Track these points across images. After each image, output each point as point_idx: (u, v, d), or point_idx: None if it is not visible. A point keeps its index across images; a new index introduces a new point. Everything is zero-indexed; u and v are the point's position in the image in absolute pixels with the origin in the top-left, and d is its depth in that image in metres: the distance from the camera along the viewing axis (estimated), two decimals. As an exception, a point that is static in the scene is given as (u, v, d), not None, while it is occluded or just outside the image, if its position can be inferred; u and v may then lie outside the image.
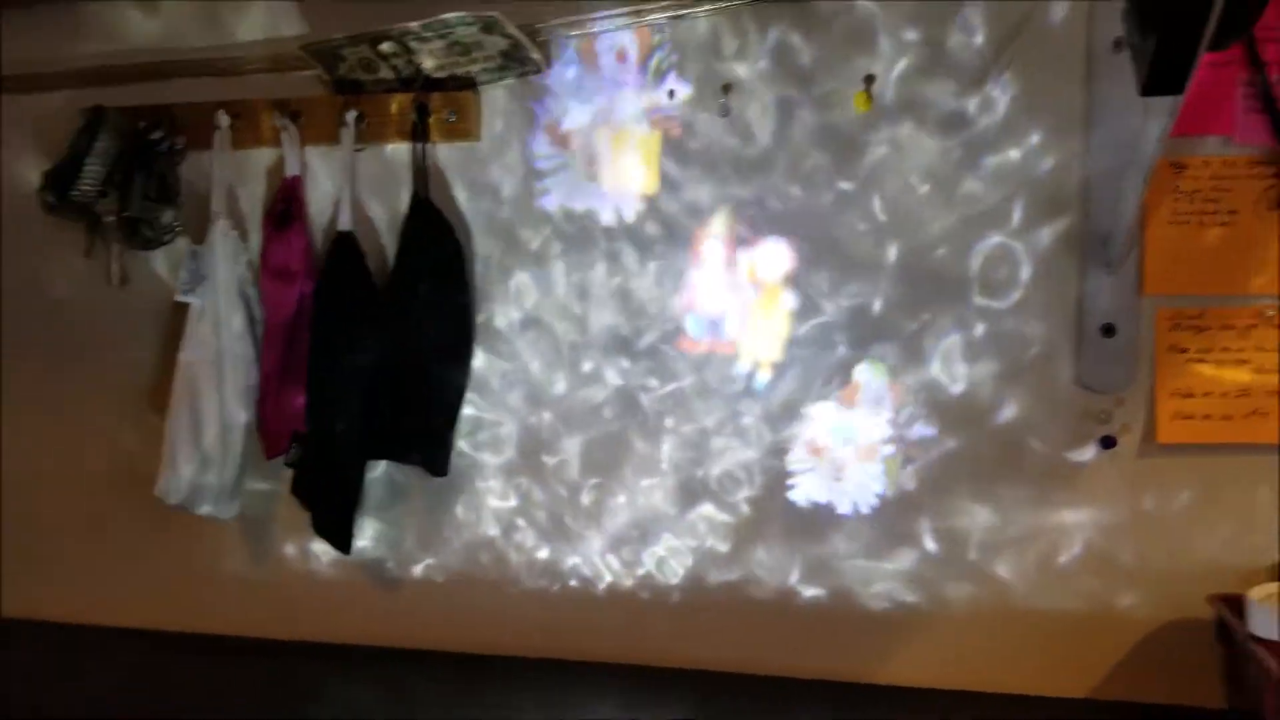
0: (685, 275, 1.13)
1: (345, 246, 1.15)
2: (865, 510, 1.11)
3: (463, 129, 1.14)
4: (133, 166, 1.18)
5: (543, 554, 1.20)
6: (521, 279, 1.17)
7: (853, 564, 1.12)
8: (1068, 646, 1.08)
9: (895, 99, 1.06)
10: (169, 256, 1.24)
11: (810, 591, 1.14)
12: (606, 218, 1.14)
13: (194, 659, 1.25)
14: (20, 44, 1.25)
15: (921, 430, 1.09)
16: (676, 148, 1.11)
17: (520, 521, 1.20)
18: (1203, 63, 0.94)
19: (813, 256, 1.10)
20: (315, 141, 1.18)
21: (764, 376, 1.12)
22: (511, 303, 1.17)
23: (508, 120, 1.15)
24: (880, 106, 1.06)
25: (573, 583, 1.20)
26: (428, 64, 1.12)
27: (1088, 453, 1.06)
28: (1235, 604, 0.96)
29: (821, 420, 1.11)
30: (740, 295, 1.12)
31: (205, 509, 1.19)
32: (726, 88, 1.08)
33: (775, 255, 1.10)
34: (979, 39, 1.03)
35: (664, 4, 1.07)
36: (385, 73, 1.14)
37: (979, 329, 1.07)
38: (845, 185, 1.08)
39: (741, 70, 1.09)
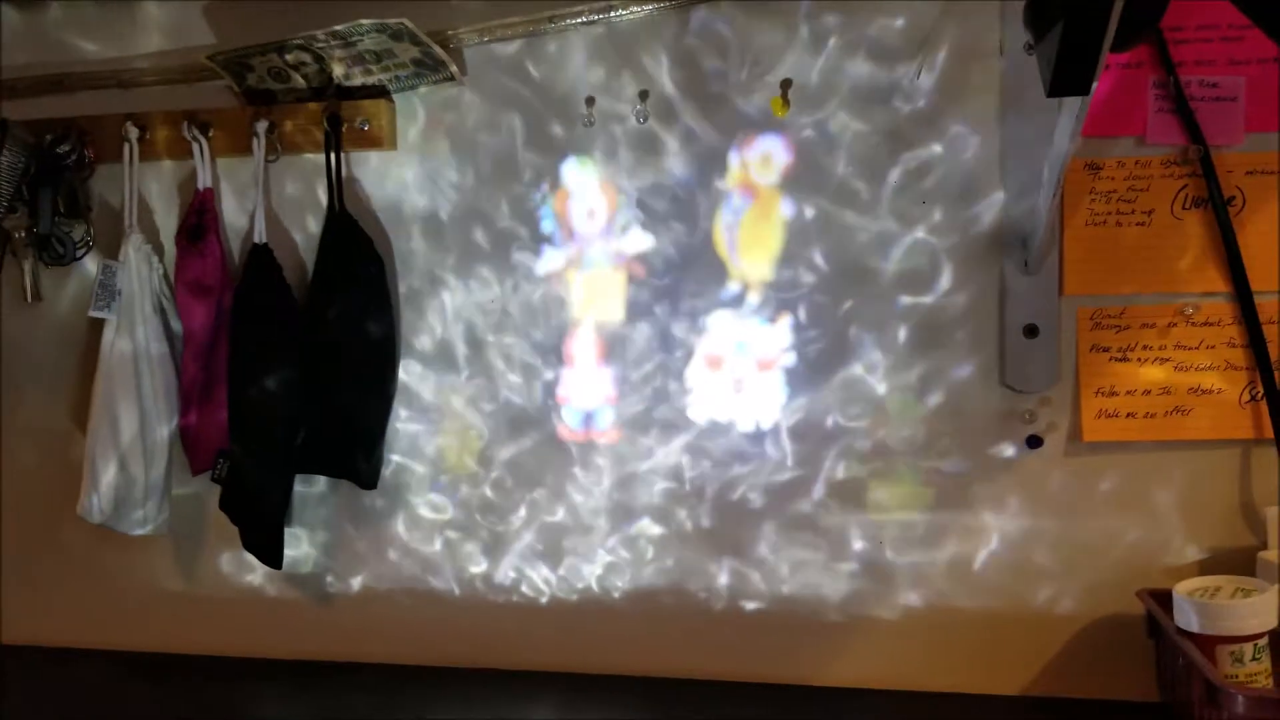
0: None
1: (261, 259, 1.13)
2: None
3: (376, 138, 1.11)
4: (40, 181, 1.15)
5: (478, 564, 1.19)
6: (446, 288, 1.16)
7: (782, 567, 1.12)
8: (999, 644, 1.08)
9: (811, 98, 1.05)
10: (83, 272, 1.21)
11: (743, 596, 1.13)
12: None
13: (124, 676, 1.23)
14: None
15: (850, 433, 1.09)
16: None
17: (454, 532, 1.19)
18: (1113, 64, 0.95)
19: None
20: (227, 153, 1.15)
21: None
22: (436, 312, 1.16)
23: (422, 128, 1.14)
24: (798, 106, 1.05)
25: (509, 592, 1.19)
26: (338, 72, 1.10)
27: (1014, 452, 1.06)
28: (1164, 599, 0.97)
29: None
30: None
31: (129, 527, 1.17)
32: (644, 94, 1.07)
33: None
34: (896, 41, 1.03)
35: (577, 8, 1.06)
36: (296, 81, 1.12)
37: (902, 328, 1.07)
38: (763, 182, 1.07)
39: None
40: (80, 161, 1.17)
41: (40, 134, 1.16)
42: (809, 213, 1.07)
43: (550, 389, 1.15)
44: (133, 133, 1.15)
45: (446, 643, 1.20)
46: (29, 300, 1.20)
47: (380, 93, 1.11)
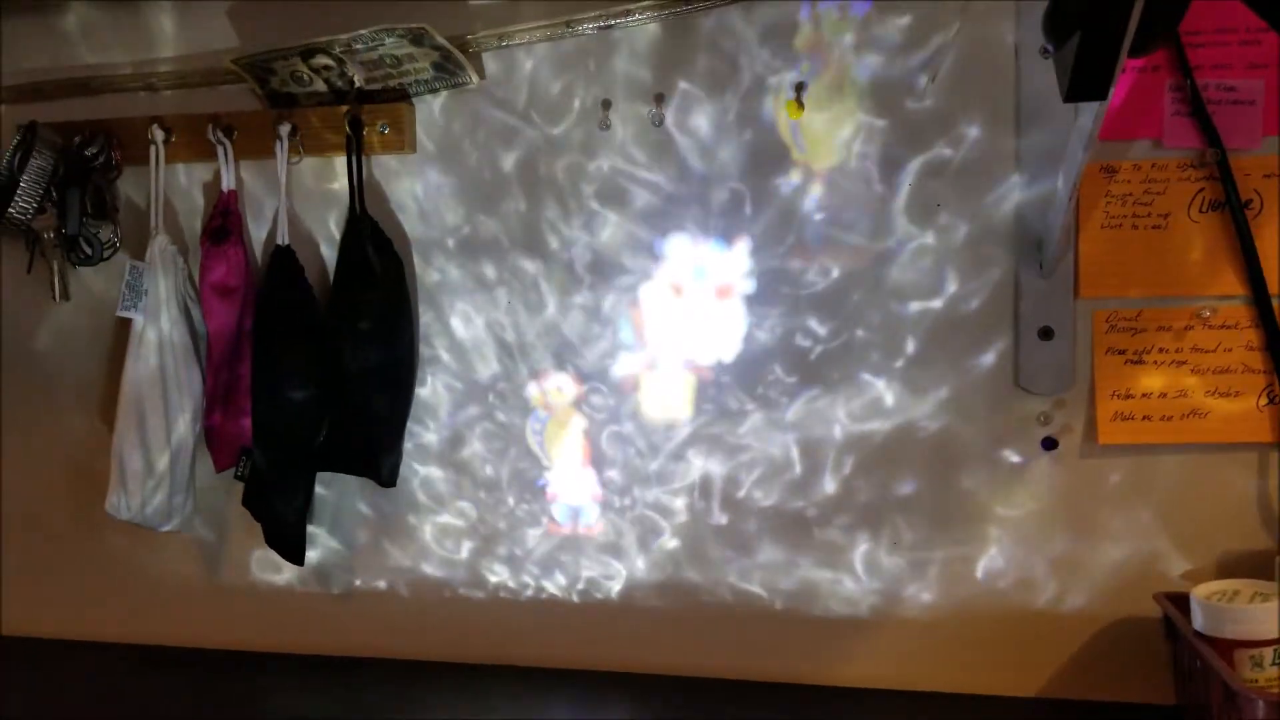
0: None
1: (283, 261, 1.14)
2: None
3: (397, 141, 1.13)
4: (69, 183, 1.17)
5: (495, 560, 1.20)
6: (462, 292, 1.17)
7: (799, 566, 1.12)
8: (1015, 646, 1.08)
9: (824, 100, 1.05)
10: (110, 272, 1.23)
11: (761, 594, 1.14)
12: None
13: (145, 670, 1.25)
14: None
15: (863, 434, 1.09)
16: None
17: (472, 529, 1.20)
18: (1130, 68, 0.95)
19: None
20: (250, 155, 1.17)
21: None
22: (457, 314, 1.17)
23: (445, 131, 1.15)
24: (810, 109, 1.06)
25: (525, 590, 1.20)
26: (359, 76, 1.11)
27: (1030, 455, 1.06)
28: (1181, 602, 0.97)
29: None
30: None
31: (156, 524, 1.19)
32: (660, 97, 1.08)
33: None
34: (910, 42, 1.03)
35: (593, 14, 1.06)
36: (318, 85, 1.13)
37: (915, 330, 1.07)
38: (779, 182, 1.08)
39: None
40: (108, 163, 1.19)
41: (68, 136, 1.18)
42: (819, 215, 1.08)
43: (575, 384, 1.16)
44: (159, 135, 1.17)
45: (463, 639, 1.21)
46: (57, 300, 1.22)
47: (401, 96, 1.13)
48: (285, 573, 1.25)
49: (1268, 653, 0.89)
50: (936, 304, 1.06)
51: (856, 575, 1.11)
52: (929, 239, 1.05)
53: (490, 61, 1.12)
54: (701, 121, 1.08)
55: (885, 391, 1.08)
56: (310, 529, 1.20)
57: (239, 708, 1.15)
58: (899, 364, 1.08)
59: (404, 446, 1.18)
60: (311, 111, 1.14)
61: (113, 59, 1.21)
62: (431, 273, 1.17)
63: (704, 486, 1.14)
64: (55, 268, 1.21)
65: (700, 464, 1.13)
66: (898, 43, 1.03)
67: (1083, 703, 1.07)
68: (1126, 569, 1.05)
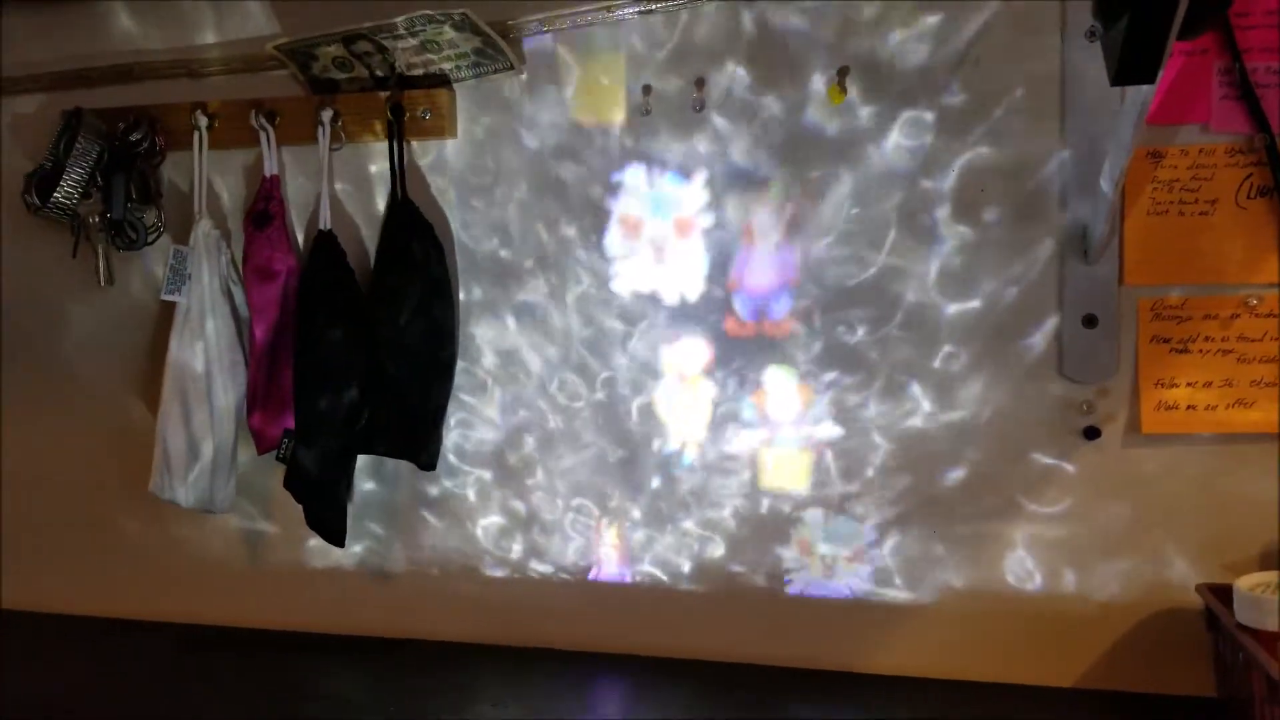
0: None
1: (326, 245, 1.15)
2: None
3: (437, 127, 1.13)
4: (114, 168, 1.18)
5: (534, 545, 1.21)
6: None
7: (840, 553, 1.12)
8: (1056, 636, 1.08)
9: (866, 89, 1.05)
10: (155, 256, 1.24)
11: (799, 580, 1.14)
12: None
13: (191, 649, 1.27)
14: (-4, 46, 1.27)
15: (907, 422, 1.09)
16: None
17: (511, 514, 1.21)
18: (1178, 51, 0.93)
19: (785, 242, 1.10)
20: (293, 141, 1.18)
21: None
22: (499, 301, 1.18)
23: (485, 117, 1.15)
24: (851, 97, 1.05)
25: (564, 574, 1.20)
26: (401, 62, 1.11)
27: (1072, 444, 1.05)
28: (1223, 593, 0.95)
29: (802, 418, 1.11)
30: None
31: (198, 504, 1.20)
32: (700, 82, 1.08)
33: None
34: (955, 26, 1.02)
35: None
36: (360, 71, 1.14)
37: (960, 318, 1.06)
38: (815, 174, 1.07)
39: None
40: (151, 149, 1.21)
41: (113, 122, 1.20)
42: (859, 202, 1.07)
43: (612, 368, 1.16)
44: (202, 121, 1.18)
45: (499, 621, 1.22)
46: (102, 283, 1.23)
47: (442, 82, 1.13)
48: (327, 555, 1.26)
49: (1311, 644, 0.88)
50: (980, 292, 1.06)
51: (894, 561, 1.11)
52: (973, 226, 1.05)
53: (531, 46, 1.12)
54: (742, 108, 1.08)
55: (927, 381, 1.08)
56: (353, 511, 1.21)
57: (282, 687, 1.16)
58: (942, 353, 1.07)
59: (444, 431, 1.19)
60: (353, 97, 1.15)
61: (156, 45, 1.23)
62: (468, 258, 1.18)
63: (740, 471, 1.14)
64: (100, 252, 1.23)
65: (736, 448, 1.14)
66: (941, 27, 1.02)
67: (1122, 693, 1.06)
68: (1168, 559, 1.04)
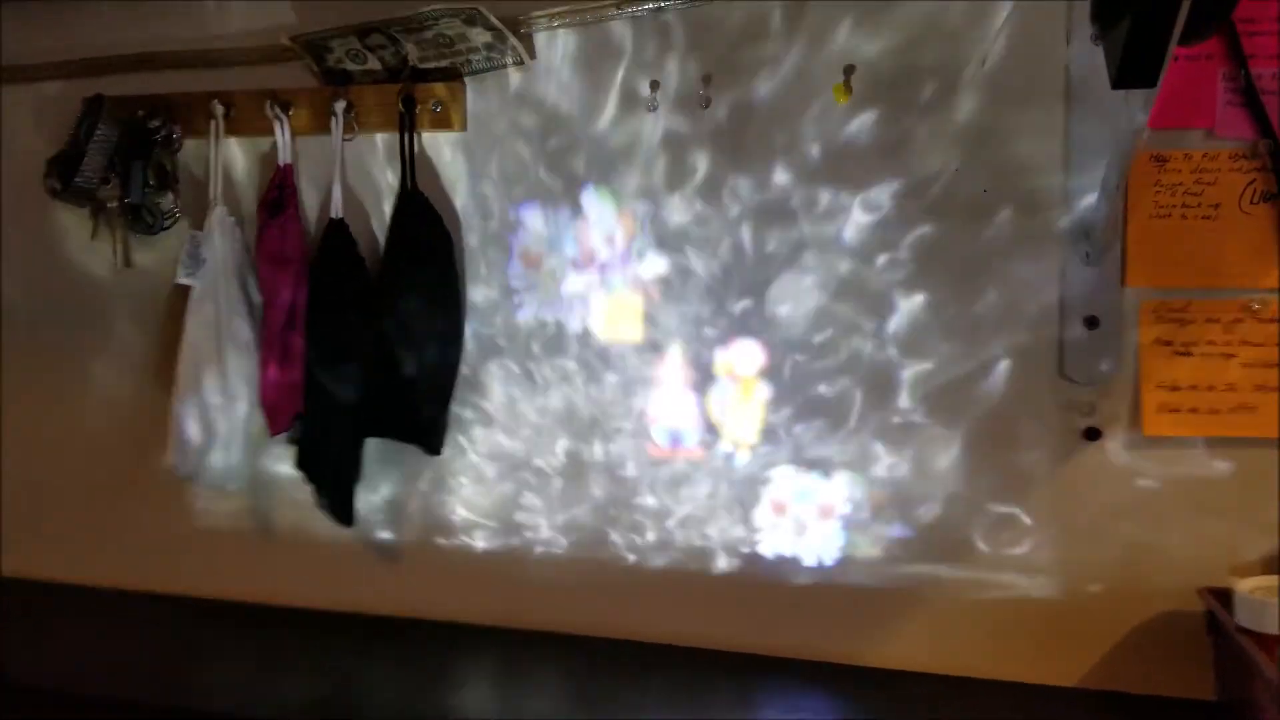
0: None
1: (337, 233, 1.17)
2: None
3: (447, 119, 1.15)
4: (132, 154, 1.21)
5: (539, 528, 1.22)
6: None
7: (842, 546, 1.13)
8: (1057, 635, 1.08)
9: (870, 88, 1.05)
10: (171, 241, 1.27)
11: (802, 571, 1.14)
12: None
13: (201, 621, 1.29)
14: (18, 34, 1.29)
15: (906, 420, 1.10)
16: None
17: (519, 495, 1.22)
18: (1182, 55, 0.93)
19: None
20: (306, 131, 1.20)
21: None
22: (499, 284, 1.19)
23: (494, 110, 1.16)
24: (856, 96, 1.05)
25: (568, 555, 1.21)
26: (413, 55, 1.13)
27: (1072, 445, 1.05)
28: (1224, 596, 0.96)
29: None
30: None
31: (213, 482, 1.24)
32: (707, 79, 1.09)
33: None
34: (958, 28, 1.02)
35: (644, -6, 1.08)
36: (373, 63, 1.16)
37: (960, 317, 1.07)
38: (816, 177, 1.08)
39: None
40: (169, 136, 1.23)
41: (133, 110, 1.22)
42: (866, 206, 1.08)
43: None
44: (219, 110, 1.21)
45: (519, 603, 1.23)
46: (119, 266, 1.27)
47: (453, 75, 1.15)
48: (335, 534, 1.26)
49: (1311, 649, 0.88)
50: (981, 289, 1.06)
51: (895, 555, 1.11)
52: (975, 225, 1.05)
53: (540, 41, 1.13)
54: (743, 105, 1.09)
55: (926, 376, 1.08)
56: (363, 493, 1.23)
57: (295, 663, 1.18)
58: (941, 351, 1.08)
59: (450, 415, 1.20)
60: (366, 89, 1.17)
61: (175, 36, 1.25)
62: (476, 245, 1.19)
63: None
64: (118, 236, 1.26)
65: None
66: (949, 28, 1.03)
67: (1122, 694, 1.06)
68: (1170, 562, 1.04)
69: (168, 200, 1.25)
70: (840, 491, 1.12)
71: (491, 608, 1.24)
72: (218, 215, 1.21)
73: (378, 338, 1.16)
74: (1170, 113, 0.97)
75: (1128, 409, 1.04)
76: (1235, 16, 0.88)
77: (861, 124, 1.06)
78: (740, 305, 1.12)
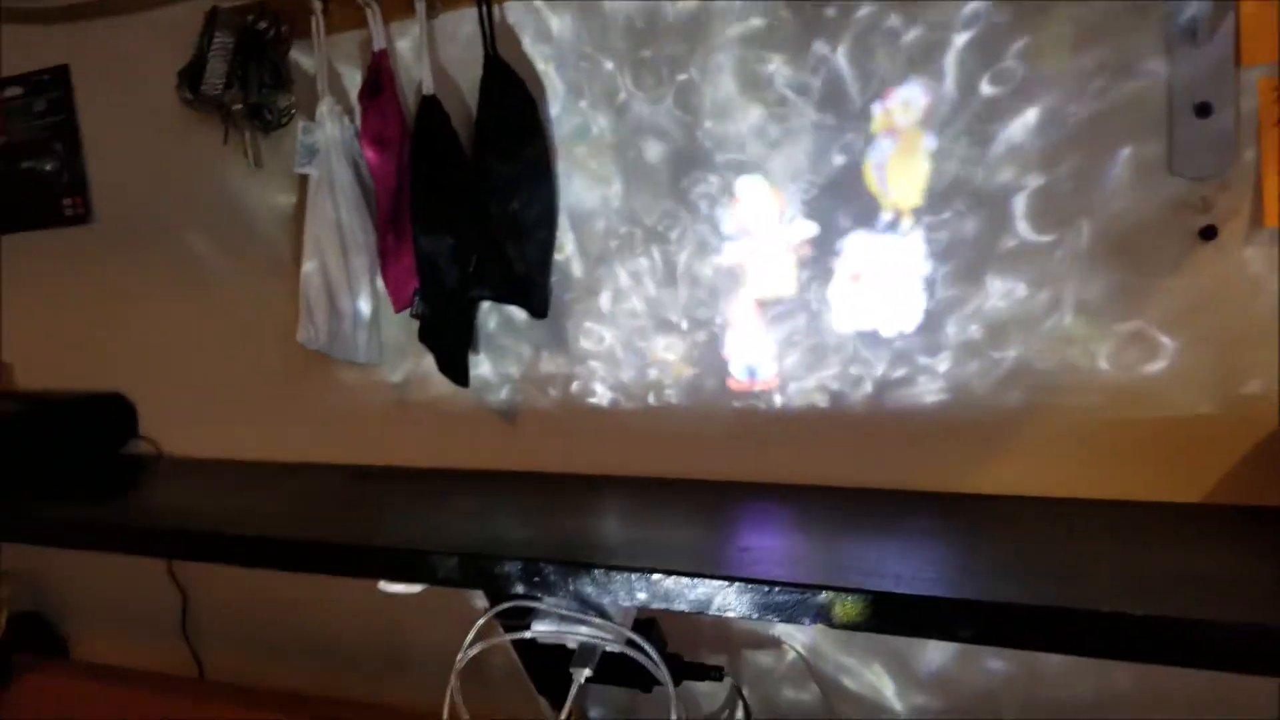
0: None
1: (430, 109, 1.22)
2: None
3: (519, -22, 1.17)
4: (248, 58, 1.30)
5: (649, 377, 1.25)
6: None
7: (948, 369, 1.10)
8: (1179, 450, 1.02)
9: None
10: (289, 137, 1.36)
11: (909, 399, 1.12)
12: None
13: (346, 483, 1.38)
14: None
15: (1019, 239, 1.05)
16: None
17: (625, 347, 1.25)
18: None
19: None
20: (396, 16, 1.25)
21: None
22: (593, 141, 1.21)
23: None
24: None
25: (676, 401, 1.24)
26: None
27: (1189, 247, 0.98)
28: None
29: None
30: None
31: (344, 354, 1.34)
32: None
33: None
34: None
35: None
36: (446, -62, 1.18)
37: (1057, 115, 1.01)
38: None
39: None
40: (278, 37, 1.32)
41: (244, 15, 1.31)
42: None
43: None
44: (317, 5, 1.27)
45: (644, 453, 1.27)
46: (252, 165, 1.37)
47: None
48: (459, 396, 1.35)
49: None
50: (1079, 82, 0.99)
51: (1004, 375, 1.08)
52: (1068, 11, 0.98)
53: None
54: None
55: (1027, 184, 1.03)
56: (482, 356, 1.31)
57: (430, 511, 1.25)
58: (1039, 153, 1.02)
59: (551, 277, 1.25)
60: (445, -36, 1.20)
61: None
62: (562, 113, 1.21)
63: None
64: (248, 137, 1.36)
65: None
66: None
67: (1253, 508, 1.00)
68: (1301, 365, 0.96)
69: (284, 98, 1.34)
70: (958, 320, 1.09)
71: (617, 459, 1.28)
72: (326, 105, 1.28)
73: (475, 206, 1.21)
74: None
75: (1249, 201, 0.96)
76: None
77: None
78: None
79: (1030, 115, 1.02)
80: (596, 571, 0.94)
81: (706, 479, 1.23)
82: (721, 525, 1.11)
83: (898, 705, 1.20)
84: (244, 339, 1.49)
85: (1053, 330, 1.05)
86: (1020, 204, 1.04)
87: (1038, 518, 1.05)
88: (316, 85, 1.30)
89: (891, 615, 0.85)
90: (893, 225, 1.09)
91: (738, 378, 1.20)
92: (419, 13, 1.22)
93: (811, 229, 1.13)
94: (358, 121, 1.29)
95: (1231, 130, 0.94)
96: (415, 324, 1.30)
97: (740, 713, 1.24)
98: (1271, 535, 0.95)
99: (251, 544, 1.12)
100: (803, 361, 1.17)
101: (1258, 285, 0.97)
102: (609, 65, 1.19)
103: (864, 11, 1.06)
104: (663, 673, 1.08)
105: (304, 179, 1.32)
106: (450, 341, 1.27)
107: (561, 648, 1.12)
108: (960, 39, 1.03)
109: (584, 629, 1.09)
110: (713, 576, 0.90)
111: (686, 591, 0.91)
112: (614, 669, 1.11)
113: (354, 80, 1.32)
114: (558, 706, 1.14)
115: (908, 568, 0.91)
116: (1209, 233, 0.97)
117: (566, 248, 1.25)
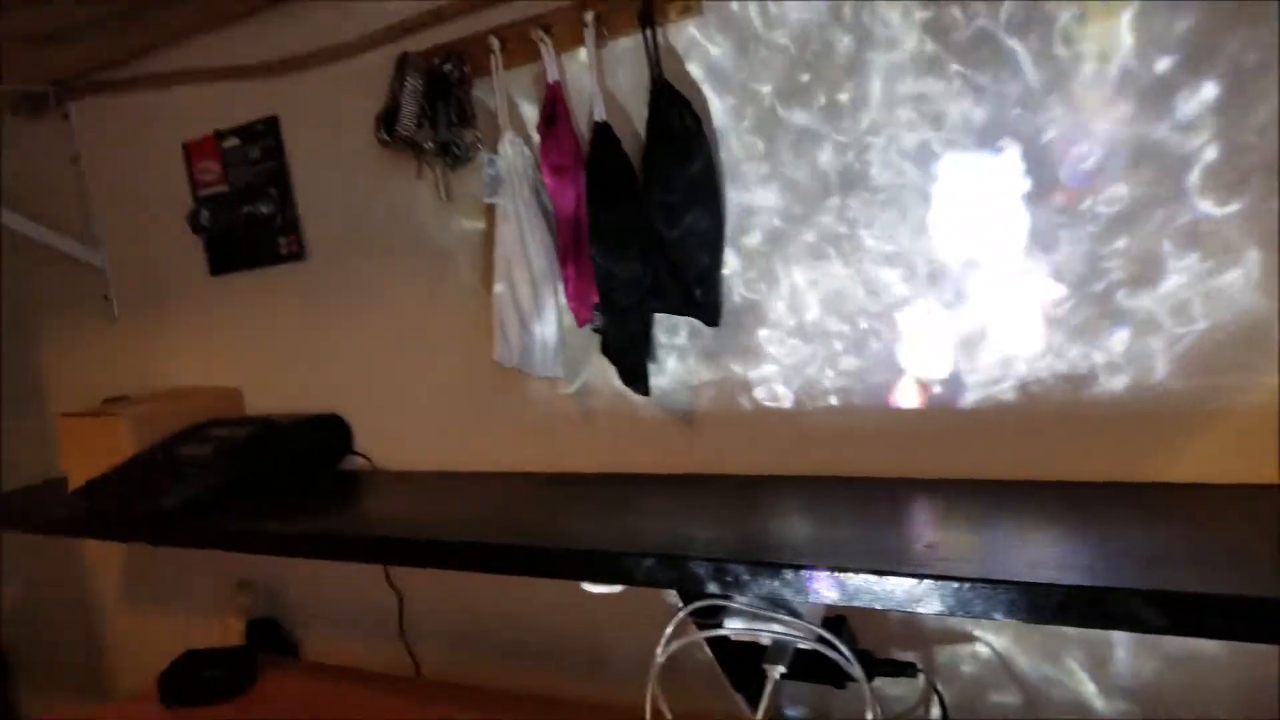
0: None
1: (602, 135, 1.29)
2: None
3: (686, 5, 1.22)
4: (436, 98, 1.41)
5: (820, 377, 1.27)
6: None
7: (1139, 362, 1.08)
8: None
9: None
10: (475, 171, 1.46)
11: (1095, 391, 1.11)
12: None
13: (540, 490, 1.46)
14: (333, 16, 1.54)
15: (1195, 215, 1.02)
16: None
17: (800, 351, 1.28)
18: None
19: None
20: (567, 48, 1.33)
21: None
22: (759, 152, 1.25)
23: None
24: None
25: (842, 401, 1.26)
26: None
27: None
28: None
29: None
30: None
31: (535, 370, 1.42)
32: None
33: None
34: None
35: None
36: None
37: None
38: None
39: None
40: (461, 77, 1.41)
41: (430, 59, 1.41)
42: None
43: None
44: (495, 44, 1.36)
45: (792, 452, 1.30)
46: (443, 199, 1.48)
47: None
48: (640, 404, 1.40)
49: None
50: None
51: (1189, 366, 1.05)
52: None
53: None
54: None
55: (1211, 164, 1.00)
56: (660, 365, 1.37)
57: (620, 512, 1.31)
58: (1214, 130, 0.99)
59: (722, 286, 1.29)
60: (610, -4, 1.26)
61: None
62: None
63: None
64: (438, 172, 1.47)
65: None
66: None
67: None
68: None
69: (470, 134, 1.44)
70: (1135, 303, 1.07)
71: (792, 458, 1.31)
72: (508, 138, 1.37)
73: (647, 224, 1.26)
74: None
75: None
76: None
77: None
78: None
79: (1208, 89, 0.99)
80: (787, 571, 0.97)
81: (882, 476, 1.24)
82: (901, 521, 1.12)
83: (1099, 705, 1.17)
84: (442, 359, 1.60)
85: (1229, 310, 1.02)
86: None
87: (1226, 506, 1.02)
88: (498, 119, 1.39)
89: (1084, 608, 0.84)
90: (1060, 225, 1.08)
91: (911, 375, 1.21)
92: (588, 41, 1.28)
93: (978, 235, 1.13)
94: (537, 150, 1.38)
95: None
96: (597, 337, 1.37)
97: (936, 710, 1.24)
98: None
99: (463, 549, 1.21)
100: (976, 356, 1.17)
101: None
102: (767, 88, 1.23)
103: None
104: (856, 669, 1.10)
105: (491, 207, 1.41)
106: (630, 353, 1.33)
107: (753, 645, 1.16)
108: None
109: (776, 626, 1.13)
110: (904, 574, 0.91)
111: (876, 588, 0.93)
112: (807, 666, 1.14)
113: (531, 111, 1.40)
114: (753, 704, 1.18)
115: (1095, 559, 0.90)
116: None
117: (733, 260, 1.29)
